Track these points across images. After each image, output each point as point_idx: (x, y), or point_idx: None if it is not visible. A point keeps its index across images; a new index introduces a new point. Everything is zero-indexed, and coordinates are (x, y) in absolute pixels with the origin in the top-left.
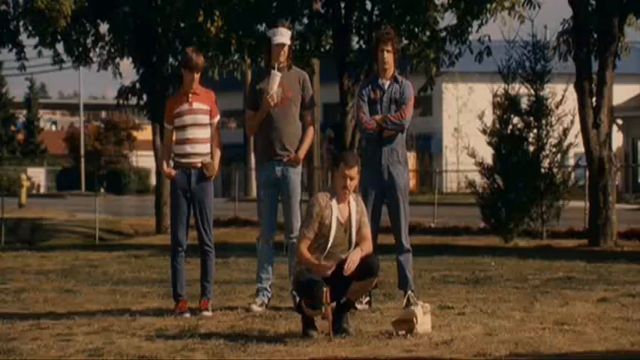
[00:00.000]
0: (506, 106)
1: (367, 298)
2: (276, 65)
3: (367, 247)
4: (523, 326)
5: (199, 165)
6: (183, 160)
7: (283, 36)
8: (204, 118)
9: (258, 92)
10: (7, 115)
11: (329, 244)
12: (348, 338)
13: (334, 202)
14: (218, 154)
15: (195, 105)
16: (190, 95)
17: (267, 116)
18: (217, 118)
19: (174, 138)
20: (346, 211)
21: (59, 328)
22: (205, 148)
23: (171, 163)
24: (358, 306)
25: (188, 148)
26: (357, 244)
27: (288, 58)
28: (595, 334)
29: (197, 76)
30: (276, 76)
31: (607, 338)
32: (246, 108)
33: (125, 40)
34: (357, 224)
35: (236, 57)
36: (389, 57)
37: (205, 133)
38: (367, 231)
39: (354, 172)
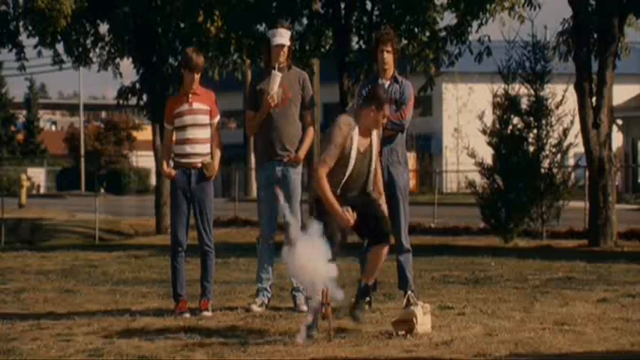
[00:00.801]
0: (506, 106)
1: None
2: (276, 66)
3: (380, 187)
4: (523, 326)
5: (199, 165)
6: (183, 161)
7: (283, 37)
8: (204, 119)
9: (259, 93)
10: (7, 116)
11: (346, 175)
12: (347, 338)
13: (356, 132)
14: (218, 154)
15: (196, 105)
16: (190, 95)
17: (267, 116)
18: (217, 118)
19: (174, 138)
20: (367, 140)
21: (59, 328)
22: (205, 148)
23: (171, 163)
24: None
25: (188, 149)
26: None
27: (288, 58)
28: (595, 334)
29: (197, 76)
30: (277, 77)
31: (607, 338)
32: (247, 108)
33: (125, 40)
34: (378, 152)
35: (236, 57)
36: (389, 57)
37: (205, 133)
38: (378, 172)
39: (388, 109)
